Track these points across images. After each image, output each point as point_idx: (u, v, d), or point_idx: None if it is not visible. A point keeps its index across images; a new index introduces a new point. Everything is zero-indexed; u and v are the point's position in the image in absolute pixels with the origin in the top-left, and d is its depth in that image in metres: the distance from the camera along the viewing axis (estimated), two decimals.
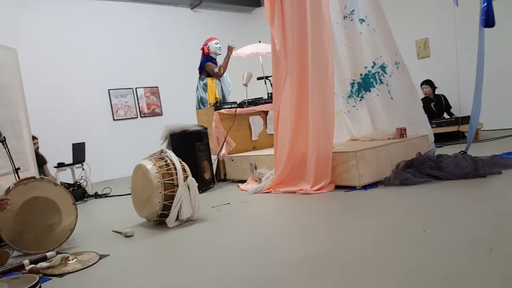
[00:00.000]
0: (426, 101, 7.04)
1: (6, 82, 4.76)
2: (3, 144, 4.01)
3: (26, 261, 2.66)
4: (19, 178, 4.09)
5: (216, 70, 6.08)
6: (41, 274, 2.46)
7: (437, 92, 7.19)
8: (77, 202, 5.55)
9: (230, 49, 6.21)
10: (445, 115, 7.11)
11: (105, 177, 8.16)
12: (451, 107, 7.12)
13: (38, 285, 2.23)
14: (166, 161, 3.50)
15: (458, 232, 2.17)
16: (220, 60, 6.37)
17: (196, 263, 2.32)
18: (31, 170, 4.94)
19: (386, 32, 4.27)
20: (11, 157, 4.06)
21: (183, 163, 3.57)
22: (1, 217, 2.83)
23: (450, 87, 7.02)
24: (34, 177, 3.16)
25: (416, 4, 7.91)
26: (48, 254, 2.82)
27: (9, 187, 3.05)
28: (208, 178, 5.15)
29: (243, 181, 5.07)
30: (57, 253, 2.90)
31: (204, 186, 4.94)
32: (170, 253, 2.69)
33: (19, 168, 4.21)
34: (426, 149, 4.24)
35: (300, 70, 4.03)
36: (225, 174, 5.65)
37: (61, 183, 6.07)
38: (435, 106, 7.10)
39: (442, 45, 7.56)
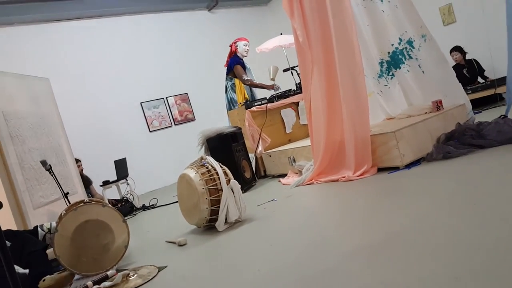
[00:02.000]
0: (457, 68, 6.84)
1: (44, 111, 4.97)
2: (50, 172, 4.20)
3: (89, 283, 2.77)
4: (69, 202, 4.28)
5: (244, 79, 6.08)
6: None
7: (467, 57, 6.97)
8: (126, 217, 5.79)
9: (270, 87, 6.18)
10: (480, 80, 6.90)
11: (149, 188, 8.38)
12: (484, 71, 6.89)
13: None
14: (207, 167, 3.57)
15: (509, 201, 2.11)
16: (247, 61, 6.37)
17: (252, 265, 2.36)
18: (79, 192, 5.15)
19: (408, 6, 4.18)
20: (59, 184, 4.25)
21: (224, 167, 3.63)
22: (58, 244, 2.95)
23: (480, 50, 6.79)
24: (83, 201, 3.27)
25: None
26: (109, 273, 2.94)
27: (61, 214, 3.18)
28: (249, 177, 5.20)
29: (283, 175, 5.09)
30: (117, 270, 3.03)
31: (246, 185, 4.99)
32: (225, 258, 2.73)
33: (68, 193, 4.40)
34: (465, 119, 4.13)
35: (326, 58, 3.99)
36: (265, 171, 5.68)
37: (109, 200, 6.30)
38: (468, 71, 6.89)
39: (467, 8, 7.29)
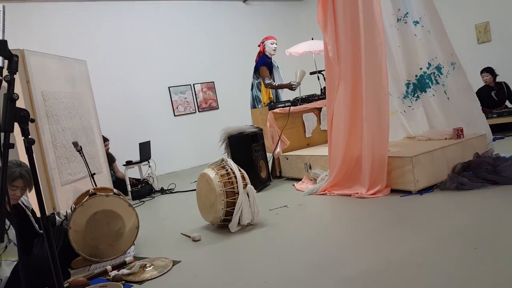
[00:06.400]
0: (486, 89, 6.84)
1: (79, 92, 5.20)
2: (80, 154, 4.44)
3: (108, 267, 3.02)
4: (94, 182, 4.53)
5: (266, 82, 6.17)
6: (123, 281, 2.80)
7: (498, 79, 6.93)
8: (145, 199, 6.05)
9: (289, 86, 6.26)
10: (508, 104, 6.87)
11: (168, 170, 8.64)
12: None
13: None
14: (227, 170, 3.75)
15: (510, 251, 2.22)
16: (277, 59, 6.48)
17: (260, 276, 2.54)
18: (103, 172, 5.41)
19: (441, 33, 4.23)
20: (87, 164, 4.50)
21: (242, 171, 3.80)
22: (74, 240, 3.18)
23: None
24: (88, 193, 3.47)
25: None
26: (127, 259, 3.18)
27: (71, 208, 3.41)
28: (265, 176, 5.37)
29: (297, 179, 5.25)
30: (135, 257, 3.26)
31: (261, 184, 5.18)
32: (235, 264, 2.90)
33: (94, 173, 4.65)
34: (484, 149, 4.20)
35: (353, 76, 4.11)
36: (280, 171, 5.84)
37: (130, 180, 6.57)
38: (496, 94, 6.86)
39: (504, 28, 7.22)
